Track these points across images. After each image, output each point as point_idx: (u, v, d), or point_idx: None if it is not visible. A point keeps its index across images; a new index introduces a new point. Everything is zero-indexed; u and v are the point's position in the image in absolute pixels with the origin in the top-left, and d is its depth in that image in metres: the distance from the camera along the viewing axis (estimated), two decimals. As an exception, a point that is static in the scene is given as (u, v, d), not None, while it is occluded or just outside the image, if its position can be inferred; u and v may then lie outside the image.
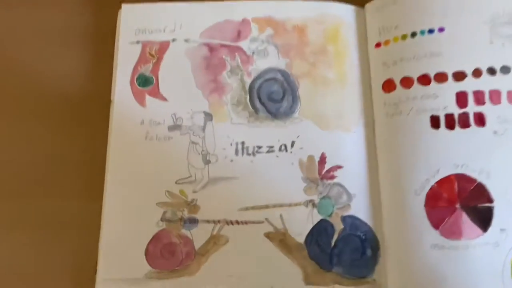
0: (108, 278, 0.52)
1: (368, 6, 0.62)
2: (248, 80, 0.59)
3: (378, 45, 0.60)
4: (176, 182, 0.56)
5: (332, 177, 0.56)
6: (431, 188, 0.54)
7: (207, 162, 0.57)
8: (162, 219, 0.55)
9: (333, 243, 0.54)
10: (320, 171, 0.56)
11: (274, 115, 0.58)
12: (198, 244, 0.54)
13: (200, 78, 0.59)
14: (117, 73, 0.59)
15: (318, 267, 0.53)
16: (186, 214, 0.55)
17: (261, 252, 0.53)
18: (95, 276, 0.53)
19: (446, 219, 0.53)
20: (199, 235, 0.54)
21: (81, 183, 0.58)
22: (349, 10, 0.62)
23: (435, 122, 0.55)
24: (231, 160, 0.56)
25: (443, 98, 0.55)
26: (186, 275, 0.53)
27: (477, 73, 0.56)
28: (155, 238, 0.54)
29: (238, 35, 0.60)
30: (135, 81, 0.59)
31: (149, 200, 0.55)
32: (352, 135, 0.57)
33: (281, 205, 0.55)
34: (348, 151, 0.56)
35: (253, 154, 0.57)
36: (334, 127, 0.57)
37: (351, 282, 0.52)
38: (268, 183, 0.55)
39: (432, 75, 0.56)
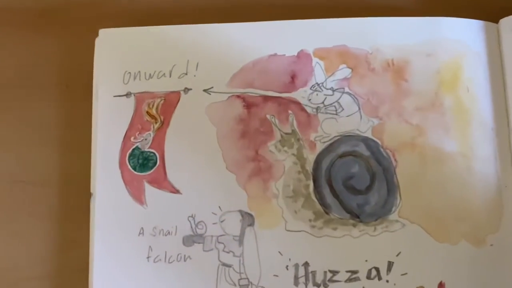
0: None
1: (506, 21, 0.37)
2: (311, 156, 0.35)
3: (529, 93, 0.36)
4: (200, 335, 0.34)
5: None
6: None
7: (249, 299, 0.35)
8: None
9: None
10: (438, 315, 0.34)
11: (357, 216, 0.35)
12: None
13: (232, 153, 0.38)
14: (97, 148, 0.36)
15: None
16: None
17: None
18: None
19: None
20: None
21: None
22: (476, 29, 0.37)
23: None
24: (289, 295, 0.35)
25: None
26: None
27: None
28: None
29: (292, 80, 0.37)
30: (127, 162, 0.36)
31: None
32: (489, 251, 0.36)
33: None
34: (482, 278, 0.36)
35: (324, 284, 0.35)
36: (459, 236, 0.37)
37: None
38: (352, 336, 0.34)
39: None
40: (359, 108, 0.37)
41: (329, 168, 0.37)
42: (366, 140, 0.37)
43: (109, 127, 0.38)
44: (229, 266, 0.37)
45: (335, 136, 0.37)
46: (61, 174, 0.40)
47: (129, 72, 0.38)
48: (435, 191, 0.36)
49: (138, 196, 0.37)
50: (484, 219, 0.36)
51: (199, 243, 0.37)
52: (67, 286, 0.39)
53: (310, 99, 0.38)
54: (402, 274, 0.36)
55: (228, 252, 0.37)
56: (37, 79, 0.41)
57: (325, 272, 0.36)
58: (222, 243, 0.37)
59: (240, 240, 0.37)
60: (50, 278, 0.39)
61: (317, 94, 0.38)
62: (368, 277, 0.36)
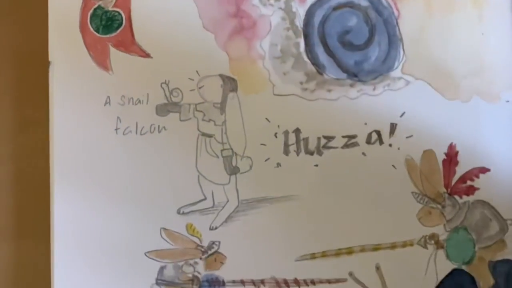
0: None
1: None
2: (301, 10, 0.31)
3: None
4: (178, 212, 0.32)
5: (471, 191, 0.31)
6: None
7: (233, 171, 0.30)
8: (158, 282, 0.30)
9: (476, 313, 0.30)
10: (448, 179, 0.32)
11: (355, 75, 0.30)
12: (227, 325, 0.32)
13: (210, 8, 0.33)
14: (54, 9, 0.33)
15: None
16: (201, 270, 0.32)
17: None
18: None
19: None
20: (228, 309, 0.32)
21: (10, 217, 0.34)
22: None
23: None
24: (278, 165, 0.32)
25: None
26: None
27: None
28: (149, 317, 0.32)
29: None
30: (88, 23, 0.31)
31: (132, 247, 0.32)
32: (504, 108, 0.32)
33: (377, 247, 0.31)
34: (497, 139, 0.32)
35: (318, 151, 0.31)
36: (470, 93, 0.32)
37: None
38: (350, 207, 0.32)
39: None
40: (355, -49, 0.33)
41: (322, 23, 0.32)
42: (363, -11, 0.33)
43: (65, -15, 0.33)
44: (210, 136, 0.32)
45: (328, -14, 0.33)
46: (14, 44, 0.35)
47: None
48: (443, 43, 0.32)
49: (102, 61, 0.33)
50: (499, 73, 0.32)
51: (174, 112, 0.32)
52: (26, 169, 0.35)
53: None
54: (407, 137, 0.32)
55: (208, 121, 0.32)
56: None
57: (318, 138, 0.32)
58: (201, 111, 0.32)
59: (222, 107, 0.32)
60: (6, 162, 0.34)
61: None
62: (368, 141, 0.32)
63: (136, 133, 0.32)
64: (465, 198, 0.31)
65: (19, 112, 0.35)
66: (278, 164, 0.32)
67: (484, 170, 0.31)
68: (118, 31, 0.33)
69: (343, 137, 0.32)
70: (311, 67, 0.32)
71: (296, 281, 0.31)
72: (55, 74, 0.33)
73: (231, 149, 0.32)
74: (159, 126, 0.32)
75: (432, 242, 0.31)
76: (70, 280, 0.31)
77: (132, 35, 0.33)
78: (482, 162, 0.31)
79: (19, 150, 0.34)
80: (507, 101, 0.32)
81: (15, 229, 0.34)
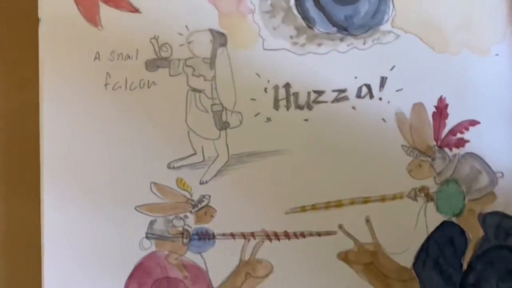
0: None
1: None
2: (290, -36, 0.32)
3: None
4: (168, 166, 0.32)
5: (461, 143, 0.32)
6: None
7: (223, 126, 0.30)
8: (148, 235, 0.30)
9: (465, 265, 0.31)
10: (438, 132, 0.32)
11: (345, 29, 0.30)
12: (217, 278, 0.32)
13: None
14: (42, -37, 0.31)
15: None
16: (191, 224, 0.32)
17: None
18: None
19: None
20: (218, 262, 0.32)
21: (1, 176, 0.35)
22: None
23: None
24: (268, 120, 0.32)
25: None
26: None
27: None
28: (139, 271, 0.31)
29: None
30: None
31: (122, 201, 0.32)
32: (494, 62, 0.32)
33: (366, 200, 0.31)
34: (486, 91, 0.32)
35: (308, 106, 0.31)
36: (460, 46, 0.32)
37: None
38: (340, 160, 0.32)
39: None
40: None
41: (311, -23, 0.33)
42: None
43: None
44: (199, 91, 0.32)
45: None
46: (3, 1, 0.35)
47: None
48: (433, -4, 0.32)
49: (91, 17, 0.32)
50: (489, 26, 0.32)
51: (164, 67, 0.32)
52: (16, 129, 0.34)
53: None
54: (397, 90, 0.32)
55: (198, 76, 0.32)
56: None
57: (308, 93, 0.32)
58: (191, 66, 0.32)
59: (212, 62, 0.32)
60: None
61: None
62: (358, 95, 0.32)
63: (126, 88, 0.32)
64: (455, 150, 0.31)
65: (10, 71, 0.35)
66: (268, 119, 0.32)
67: (474, 122, 0.31)
68: (107, -14, 0.33)
69: (333, 91, 0.32)
70: (301, 21, 0.32)
71: (286, 234, 0.31)
72: (44, 31, 0.33)
73: (221, 104, 0.32)
74: (148, 81, 0.32)
75: (422, 194, 0.31)
76: (60, 233, 0.31)
77: (122, -10, 0.33)
78: (471, 115, 0.31)
79: (9, 109, 0.34)
80: (497, 55, 0.32)
81: (4, 188, 0.34)
